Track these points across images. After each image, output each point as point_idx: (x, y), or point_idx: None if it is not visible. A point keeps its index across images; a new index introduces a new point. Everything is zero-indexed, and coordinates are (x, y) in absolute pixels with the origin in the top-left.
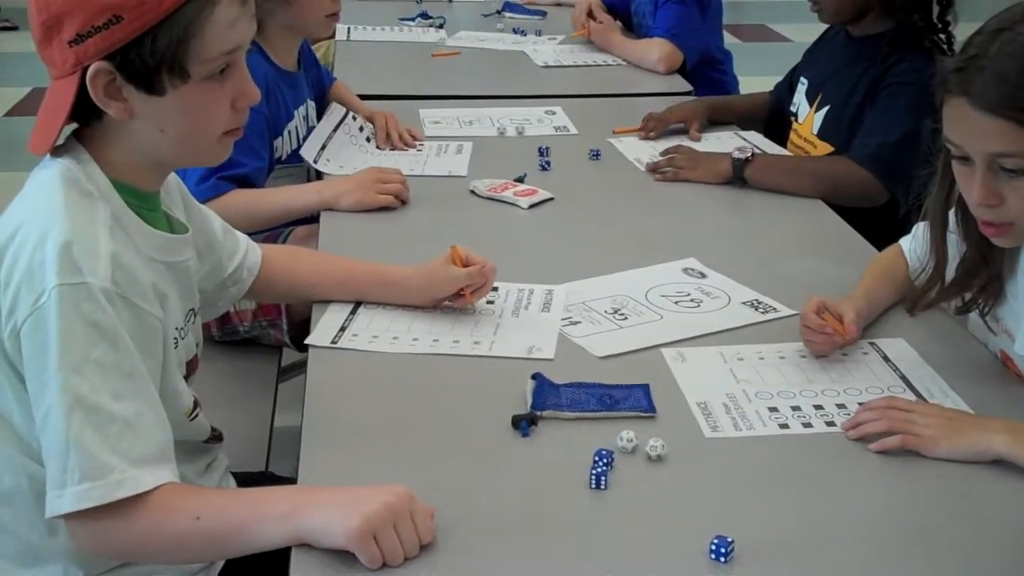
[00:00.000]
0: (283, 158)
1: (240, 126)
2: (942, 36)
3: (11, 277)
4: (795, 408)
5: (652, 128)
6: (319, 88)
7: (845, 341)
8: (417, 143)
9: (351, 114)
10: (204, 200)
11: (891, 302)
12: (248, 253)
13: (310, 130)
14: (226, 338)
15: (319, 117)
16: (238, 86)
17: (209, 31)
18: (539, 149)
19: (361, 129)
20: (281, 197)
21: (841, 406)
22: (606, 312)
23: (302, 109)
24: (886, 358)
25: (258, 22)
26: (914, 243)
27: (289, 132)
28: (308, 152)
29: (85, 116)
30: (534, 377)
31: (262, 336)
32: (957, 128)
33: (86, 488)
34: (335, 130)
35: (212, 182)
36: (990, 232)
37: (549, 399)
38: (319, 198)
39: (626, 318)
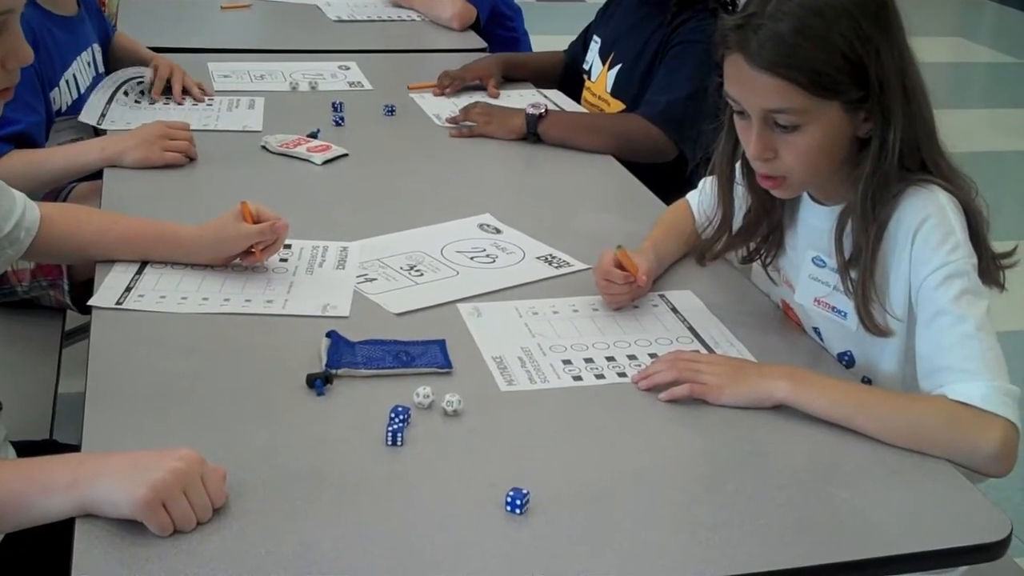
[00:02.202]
0: (63, 109)
1: (11, 86)
2: None
3: None
4: (588, 360)
5: (448, 86)
6: (104, 34)
7: (639, 293)
8: (207, 98)
9: (136, 78)
10: None
11: (679, 254)
12: (26, 212)
13: (98, 76)
14: (3, 299)
15: (106, 65)
16: (9, 45)
17: None
18: (333, 104)
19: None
20: (62, 156)
21: (632, 357)
22: (401, 269)
23: (85, 55)
24: (675, 309)
25: None
26: (701, 197)
27: (67, 81)
28: (89, 115)
29: None
30: (329, 335)
31: (42, 297)
32: (735, 84)
33: None
34: (118, 89)
35: None
36: (768, 184)
37: (344, 357)
38: (101, 155)
39: (422, 274)
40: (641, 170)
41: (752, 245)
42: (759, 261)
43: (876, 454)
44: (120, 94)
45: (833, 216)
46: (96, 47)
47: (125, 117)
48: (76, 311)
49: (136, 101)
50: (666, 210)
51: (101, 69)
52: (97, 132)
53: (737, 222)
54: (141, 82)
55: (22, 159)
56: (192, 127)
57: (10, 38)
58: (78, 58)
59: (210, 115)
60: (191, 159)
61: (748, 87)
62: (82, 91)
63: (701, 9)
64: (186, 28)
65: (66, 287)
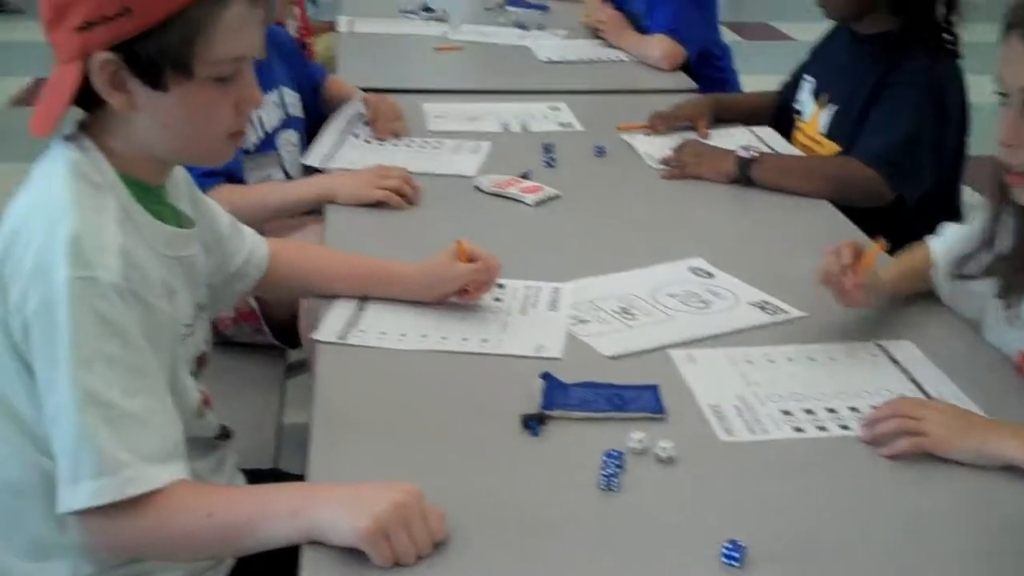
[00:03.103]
0: (250, 149)
1: (243, 130)
2: (948, 35)
3: (20, 269)
4: (808, 411)
5: (659, 126)
6: (304, 79)
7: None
8: (432, 140)
9: (359, 112)
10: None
11: (905, 288)
12: (255, 248)
13: (288, 119)
14: (217, 341)
15: (306, 111)
16: (242, 91)
17: (216, 33)
18: (543, 145)
19: (367, 124)
20: (279, 191)
21: (854, 409)
22: (614, 311)
23: (271, 96)
24: (894, 360)
25: None
26: (942, 242)
27: (251, 122)
28: (313, 158)
29: (88, 103)
30: (543, 376)
31: (250, 339)
32: (1007, 63)
33: (99, 485)
34: (343, 132)
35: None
36: (1015, 181)
37: (559, 399)
38: (317, 192)
39: (635, 317)
40: (857, 214)
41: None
42: (1003, 299)
43: None
44: (350, 136)
45: None
46: (286, 90)
47: (348, 157)
48: (287, 348)
49: (367, 141)
50: (904, 251)
51: (293, 112)
52: (283, 166)
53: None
54: (366, 120)
55: (236, 193)
56: (412, 170)
57: (243, 83)
58: (266, 96)
59: (435, 157)
60: (410, 203)
61: (1016, 64)
62: (268, 131)
63: (921, 48)
64: (402, 70)
65: (267, 330)
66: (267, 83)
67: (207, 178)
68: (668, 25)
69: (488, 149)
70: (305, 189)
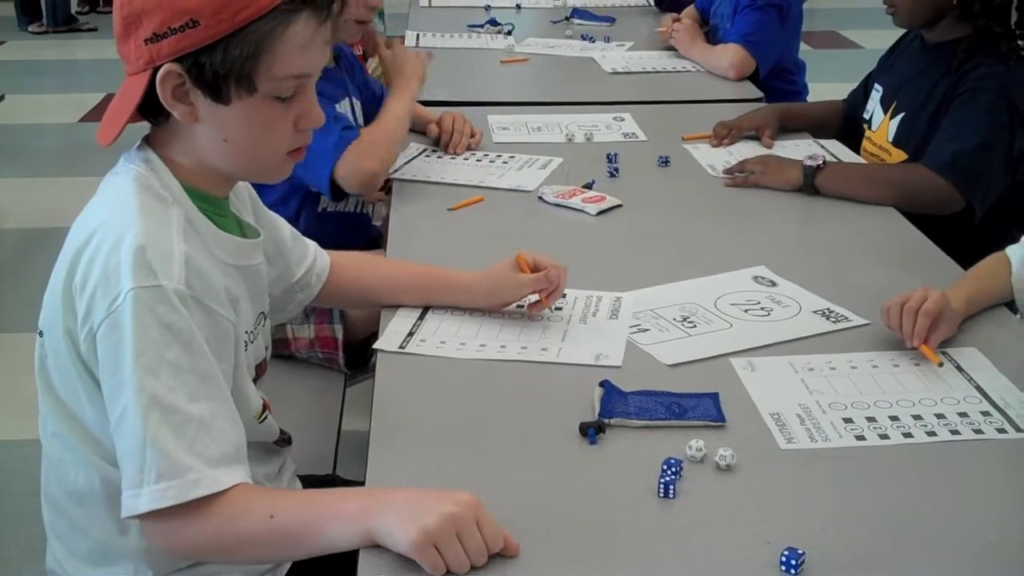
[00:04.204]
0: None
1: (303, 146)
2: (1020, 43)
3: (87, 281)
4: (870, 419)
5: (723, 136)
6: (368, 94)
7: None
8: (506, 155)
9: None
10: (340, 153)
11: (987, 300)
12: (317, 259)
13: (356, 126)
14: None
15: (367, 120)
16: (304, 108)
17: (281, 49)
18: (607, 155)
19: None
20: (385, 120)
21: (917, 417)
22: (675, 320)
23: (344, 103)
24: (959, 368)
25: None
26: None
27: None
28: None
29: (153, 114)
30: (602, 384)
31: (319, 363)
32: None
33: (163, 488)
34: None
35: (338, 134)
36: None
37: (617, 407)
38: (407, 97)
39: (695, 326)
40: (924, 222)
41: None
42: None
43: None
44: (422, 150)
45: None
46: (355, 100)
47: (417, 169)
48: (351, 373)
49: (438, 155)
50: (983, 260)
51: (360, 122)
52: None
53: None
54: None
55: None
56: (480, 183)
57: (305, 101)
58: (336, 105)
59: (504, 172)
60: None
61: None
62: None
63: (991, 55)
64: (467, 82)
65: (341, 360)
66: (339, 91)
67: (346, 132)
68: (745, 36)
69: (558, 164)
70: (398, 108)
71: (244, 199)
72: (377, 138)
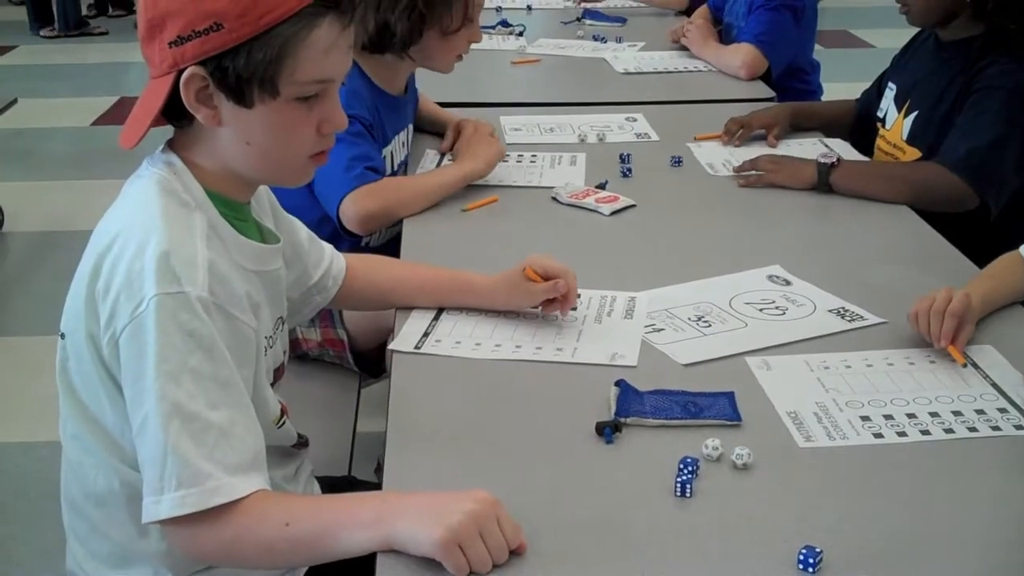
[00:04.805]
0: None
1: (325, 150)
2: None
3: (110, 286)
4: (887, 417)
5: (735, 133)
6: (416, 112)
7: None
8: (532, 155)
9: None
10: (351, 189)
11: (1003, 303)
12: (333, 262)
13: (407, 157)
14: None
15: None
16: (326, 112)
17: (304, 52)
18: (620, 156)
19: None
20: (425, 179)
21: (934, 414)
22: (690, 319)
23: (402, 135)
24: (975, 365)
25: (379, 49)
26: None
27: (384, 157)
28: None
29: (176, 118)
30: (618, 384)
31: (332, 361)
32: None
33: (183, 495)
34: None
35: (359, 171)
36: None
37: (633, 406)
38: (462, 172)
39: (710, 325)
40: (938, 220)
41: None
42: None
43: None
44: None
45: None
46: (411, 127)
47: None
48: (365, 375)
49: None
50: (996, 260)
51: (409, 149)
52: None
53: None
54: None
55: (393, 182)
56: (502, 183)
57: (328, 105)
58: (396, 136)
59: (532, 172)
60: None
61: None
62: (395, 168)
63: (1005, 52)
64: (479, 83)
65: (350, 359)
66: (403, 122)
67: (367, 172)
68: (758, 36)
69: (584, 160)
70: (449, 175)
71: (264, 203)
72: (403, 185)
